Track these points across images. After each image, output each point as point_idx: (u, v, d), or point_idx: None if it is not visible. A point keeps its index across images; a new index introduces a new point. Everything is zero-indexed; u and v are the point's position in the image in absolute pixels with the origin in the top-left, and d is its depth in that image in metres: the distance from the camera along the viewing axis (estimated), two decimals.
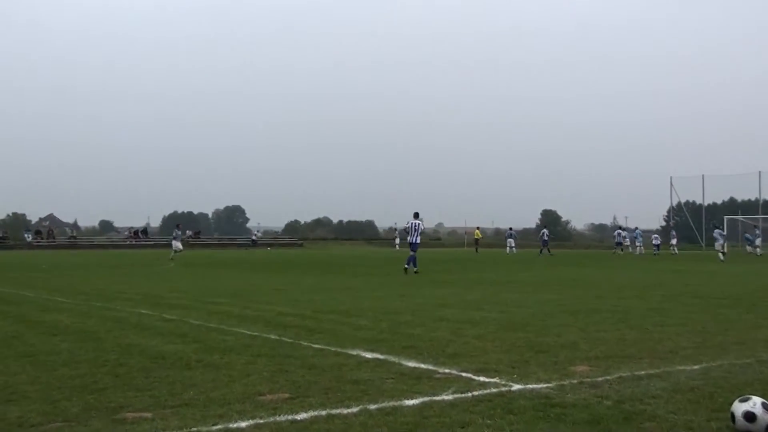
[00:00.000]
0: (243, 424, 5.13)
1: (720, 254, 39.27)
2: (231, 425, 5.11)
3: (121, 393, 6.13)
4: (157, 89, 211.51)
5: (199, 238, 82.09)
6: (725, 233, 43.77)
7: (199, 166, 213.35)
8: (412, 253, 24.97)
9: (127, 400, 5.88)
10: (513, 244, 54.63)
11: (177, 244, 38.60)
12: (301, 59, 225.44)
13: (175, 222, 39.00)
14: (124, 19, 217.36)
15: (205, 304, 13.97)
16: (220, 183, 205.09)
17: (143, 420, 5.27)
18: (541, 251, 49.18)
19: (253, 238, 76.67)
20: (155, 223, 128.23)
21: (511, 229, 59.72)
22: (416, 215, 25.82)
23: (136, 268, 30.05)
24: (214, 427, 5.07)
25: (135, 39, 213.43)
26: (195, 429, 5.02)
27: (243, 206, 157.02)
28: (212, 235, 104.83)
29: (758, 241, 51.85)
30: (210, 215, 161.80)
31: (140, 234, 79.12)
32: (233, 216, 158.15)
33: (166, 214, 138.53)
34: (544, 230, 53.68)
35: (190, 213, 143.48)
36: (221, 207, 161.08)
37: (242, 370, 7.10)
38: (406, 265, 24.73)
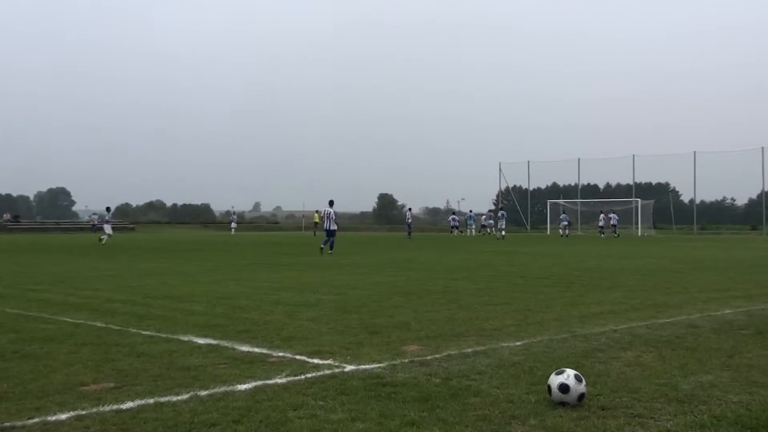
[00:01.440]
0: (63, 416, 4.86)
1: (499, 232, 47.39)
2: (49, 418, 4.83)
3: None
4: None
5: (19, 222, 76.78)
6: (506, 215, 50.71)
7: (19, 144, 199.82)
8: (327, 237, 26.63)
9: None
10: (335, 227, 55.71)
11: (107, 228, 37.37)
12: (135, 41, 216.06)
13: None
14: None
15: (23, 291, 13.10)
16: (43, 163, 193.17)
17: None
18: (409, 234, 50.08)
19: (94, 224, 72.40)
20: None
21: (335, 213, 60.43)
22: (331, 203, 27.48)
23: None
24: (30, 421, 4.76)
25: None
26: (8, 424, 4.70)
27: (68, 188, 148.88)
28: (34, 219, 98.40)
29: (563, 225, 56.42)
30: (32, 198, 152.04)
31: None
32: (57, 199, 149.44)
33: None
34: (408, 213, 55.11)
35: (8, 196, 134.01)
36: (44, 189, 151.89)
37: (64, 360, 6.73)
38: (322, 246, 26.49)
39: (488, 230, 59.00)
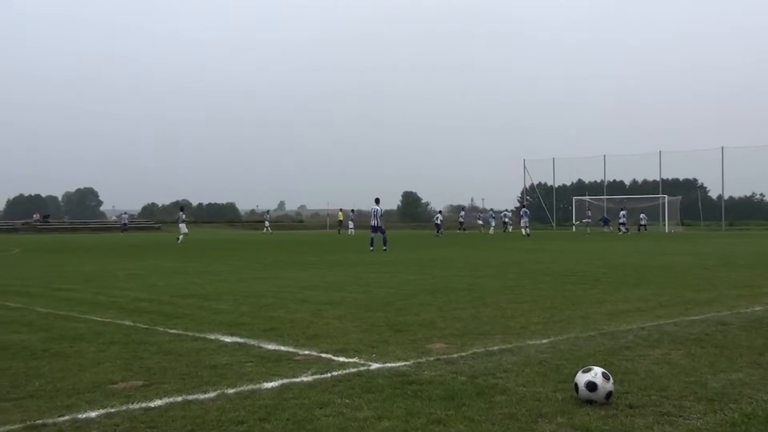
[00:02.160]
0: (93, 414, 4.91)
1: (524, 230, 47.57)
2: (80, 416, 4.88)
3: None
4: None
5: (48, 222, 77.80)
6: (528, 212, 51.08)
7: (49, 146, 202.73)
8: (372, 235, 27.70)
9: None
10: (352, 226, 56.29)
11: (183, 227, 38.50)
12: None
13: (178, 206, 39.32)
14: None
15: (53, 290, 13.28)
16: (71, 164, 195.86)
17: None
18: (437, 233, 50.13)
19: (125, 222, 73.35)
20: None
21: (352, 211, 60.94)
22: (377, 201, 28.21)
23: None
24: (61, 419, 4.82)
25: None
26: (40, 421, 4.76)
27: (96, 189, 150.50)
28: (63, 219, 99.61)
29: (585, 221, 56.29)
30: (60, 198, 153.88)
31: None
32: (85, 199, 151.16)
33: (11, 197, 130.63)
34: (438, 215, 55.23)
35: (38, 196, 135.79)
36: (72, 189, 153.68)
37: (93, 359, 6.80)
38: (371, 247, 27.46)
39: (509, 228, 59.06)
